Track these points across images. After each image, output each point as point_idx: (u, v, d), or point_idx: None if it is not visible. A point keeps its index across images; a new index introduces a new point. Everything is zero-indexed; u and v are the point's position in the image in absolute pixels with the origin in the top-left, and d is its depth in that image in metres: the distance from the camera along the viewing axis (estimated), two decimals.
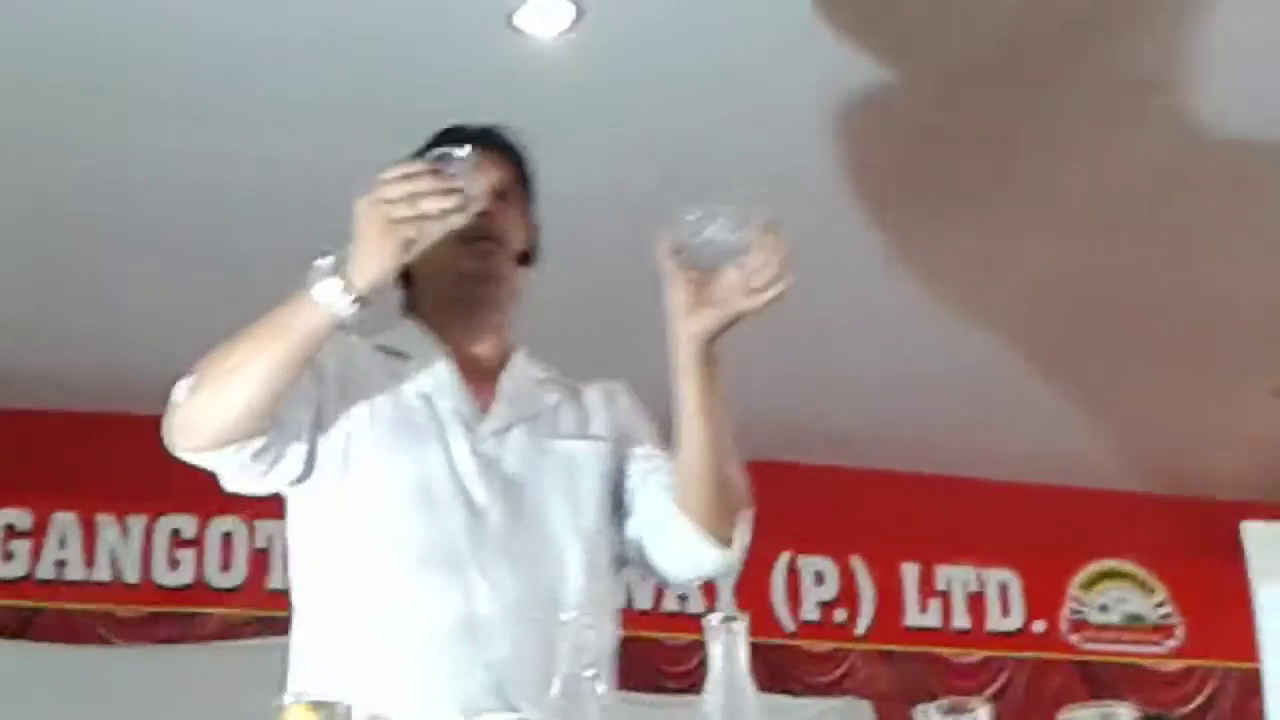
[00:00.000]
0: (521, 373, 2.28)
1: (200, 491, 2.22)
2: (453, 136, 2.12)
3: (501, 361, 2.28)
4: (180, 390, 2.00)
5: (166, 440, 2.01)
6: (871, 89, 4.03)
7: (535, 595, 2.06)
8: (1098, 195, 4.59)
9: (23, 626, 5.71)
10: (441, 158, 1.87)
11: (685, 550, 2.17)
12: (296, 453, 2.08)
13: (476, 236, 2.14)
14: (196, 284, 4.83)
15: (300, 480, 2.11)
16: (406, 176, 1.85)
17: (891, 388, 5.69)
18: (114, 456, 5.39)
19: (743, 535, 2.16)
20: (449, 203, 1.84)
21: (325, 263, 1.89)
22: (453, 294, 2.23)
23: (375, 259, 1.88)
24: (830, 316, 4.80)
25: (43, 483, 5.78)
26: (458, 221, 1.87)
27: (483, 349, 2.26)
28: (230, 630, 5.78)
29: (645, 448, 2.27)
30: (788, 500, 5.47)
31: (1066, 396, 5.83)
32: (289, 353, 1.94)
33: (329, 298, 1.89)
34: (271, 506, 2.16)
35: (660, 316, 2.02)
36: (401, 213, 1.84)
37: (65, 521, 5.84)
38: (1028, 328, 5.37)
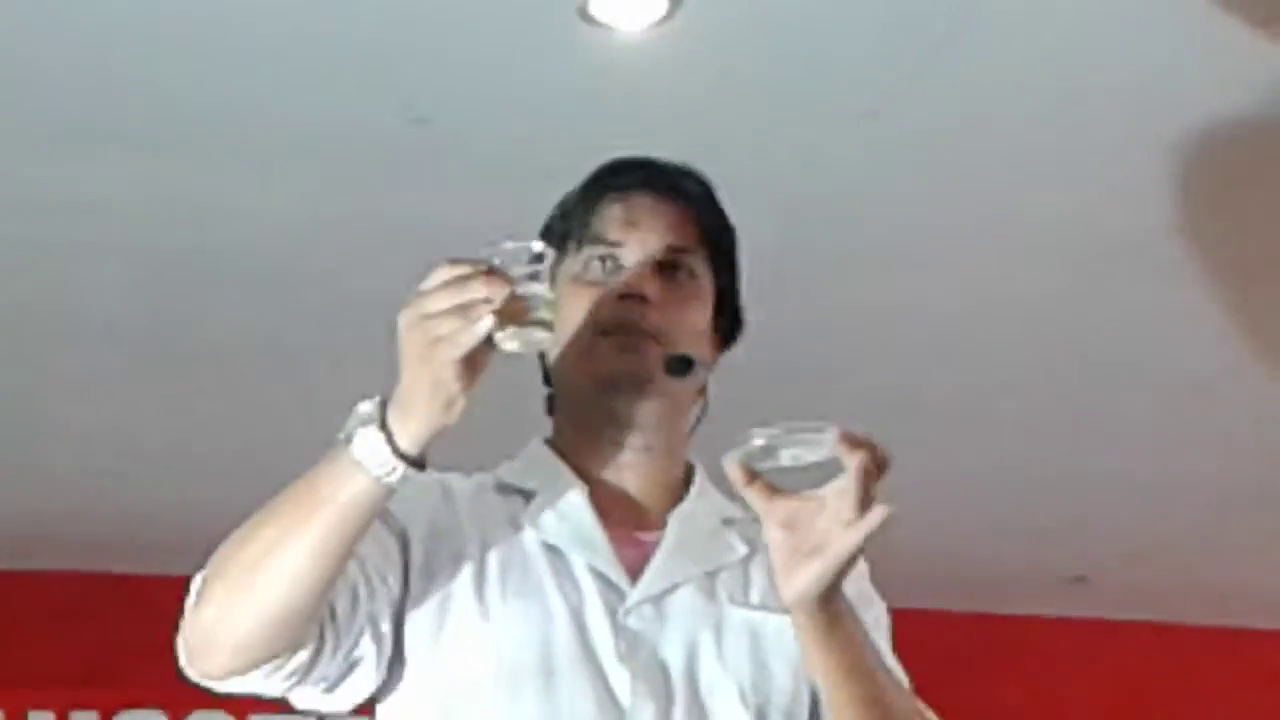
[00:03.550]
0: (699, 511, 2.04)
1: (168, 680, 1.93)
2: (607, 172, 1.98)
3: (670, 496, 2.04)
4: (193, 591, 1.72)
5: (181, 661, 1.74)
6: None
7: None
8: None
9: None
10: (508, 253, 1.61)
11: None
12: (369, 656, 1.78)
13: (617, 327, 1.91)
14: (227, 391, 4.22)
15: (386, 689, 1.85)
16: (456, 279, 1.57)
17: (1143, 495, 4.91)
18: (41, 630, 5.04)
19: None
20: (523, 313, 1.60)
21: (367, 407, 1.61)
22: (587, 407, 1.99)
23: (424, 399, 1.58)
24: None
25: None
26: (544, 342, 1.63)
27: (635, 482, 2.01)
28: None
29: None
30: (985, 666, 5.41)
31: None
32: (329, 534, 1.65)
33: (371, 455, 1.59)
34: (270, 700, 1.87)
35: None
36: (449, 328, 1.56)
37: None
38: None
